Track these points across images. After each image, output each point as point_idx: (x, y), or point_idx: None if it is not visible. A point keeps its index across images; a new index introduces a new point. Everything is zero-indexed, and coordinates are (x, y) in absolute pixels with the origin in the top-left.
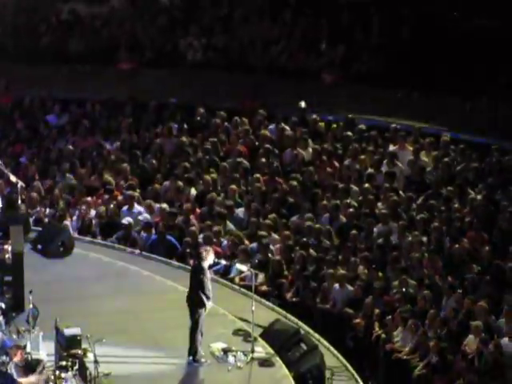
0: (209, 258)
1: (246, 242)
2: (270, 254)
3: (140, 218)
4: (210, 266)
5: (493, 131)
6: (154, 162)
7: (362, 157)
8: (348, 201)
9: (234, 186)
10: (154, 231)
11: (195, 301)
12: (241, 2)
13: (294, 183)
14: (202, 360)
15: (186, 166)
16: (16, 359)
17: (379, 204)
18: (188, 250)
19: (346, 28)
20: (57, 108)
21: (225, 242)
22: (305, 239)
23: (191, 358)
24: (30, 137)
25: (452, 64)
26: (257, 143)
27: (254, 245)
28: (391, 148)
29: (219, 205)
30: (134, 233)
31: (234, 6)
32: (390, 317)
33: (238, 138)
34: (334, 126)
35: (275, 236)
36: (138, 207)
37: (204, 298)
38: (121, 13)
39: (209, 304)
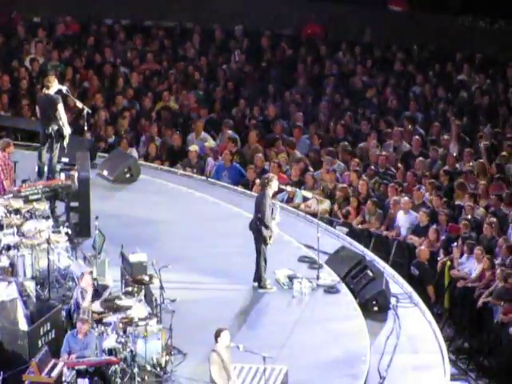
0: (273, 185)
1: (311, 168)
2: (336, 181)
3: (206, 144)
4: (276, 193)
5: None
6: (219, 88)
7: (427, 86)
8: (410, 127)
9: (299, 114)
10: (220, 158)
11: (256, 228)
12: None
13: (360, 111)
14: (268, 286)
15: (250, 93)
16: (83, 284)
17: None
18: (253, 177)
19: None
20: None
21: (290, 169)
22: (372, 167)
23: (256, 284)
24: (95, 64)
25: None
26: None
27: (319, 172)
28: (459, 76)
29: (286, 132)
30: (199, 159)
31: None
32: (455, 244)
33: (304, 66)
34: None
35: (340, 163)
36: (204, 134)
37: (262, 227)
38: None
39: (267, 232)
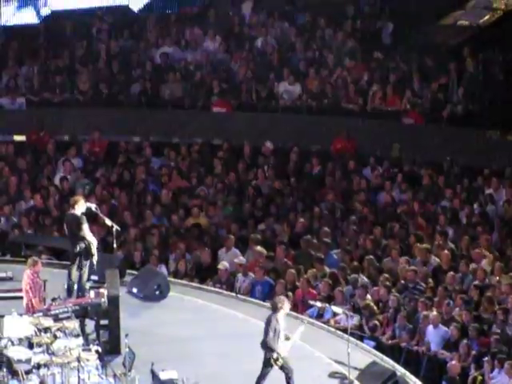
0: (285, 309)
1: (343, 283)
2: (367, 296)
3: (236, 260)
4: (306, 309)
5: None
6: (248, 204)
7: (456, 200)
8: (442, 242)
9: (327, 229)
10: (250, 274)
11: (264, 349)
12: (331, 45)
13: (388, 226)
14: None
15: (280, 209)
16: None
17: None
18: (281, 293)
19: (437, 69)
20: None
21: (320, 284)
22: (402, 281)
23: None
24: (124, 181)
25: None
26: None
27: (349, 287)
28: (486, 190)
29: (315, 248)
30: (230, 276)
31: (325, 49)
32: (486, 358)
33: (331, 181)
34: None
35: (364, 278)
36: (234, 250)
37: (266, 351)
38: (214, 57)
39: (270, 354)
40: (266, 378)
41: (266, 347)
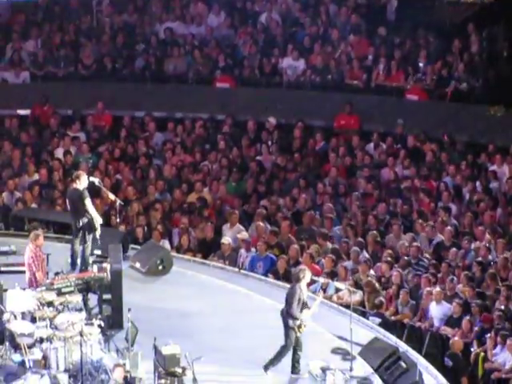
0: (306, 277)
1: (345, 258)
2: (370, 272)
3: (239, 236)
4: (308, 284)
5: None
6: (251, 180)
7: (459, 176)
8: (445, 219)
9: (330, 205)
10: (253, 249)
11: (284, 318)
12: (335, 20)
13: (391, 201)
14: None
15: (283, 185)
16: (116, 377)
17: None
18: (284, 267)
19: (442, 46)
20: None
21: (323, 260)
22: (405, 257)
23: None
24: (128, 156)
25: None
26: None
27: (350, 262)
28: (489, 166)
29: (317, 224)
30: (232, 251)
31: (330, 24)
32: (489, 335)
33: (335, 157)
34: (431, 145)
35: (365, 254)
36: (238, 225)
37: (289, 318)
38: (218, 32)
39: (294, 323)
40: (291, 347)
41: (290, 316)
